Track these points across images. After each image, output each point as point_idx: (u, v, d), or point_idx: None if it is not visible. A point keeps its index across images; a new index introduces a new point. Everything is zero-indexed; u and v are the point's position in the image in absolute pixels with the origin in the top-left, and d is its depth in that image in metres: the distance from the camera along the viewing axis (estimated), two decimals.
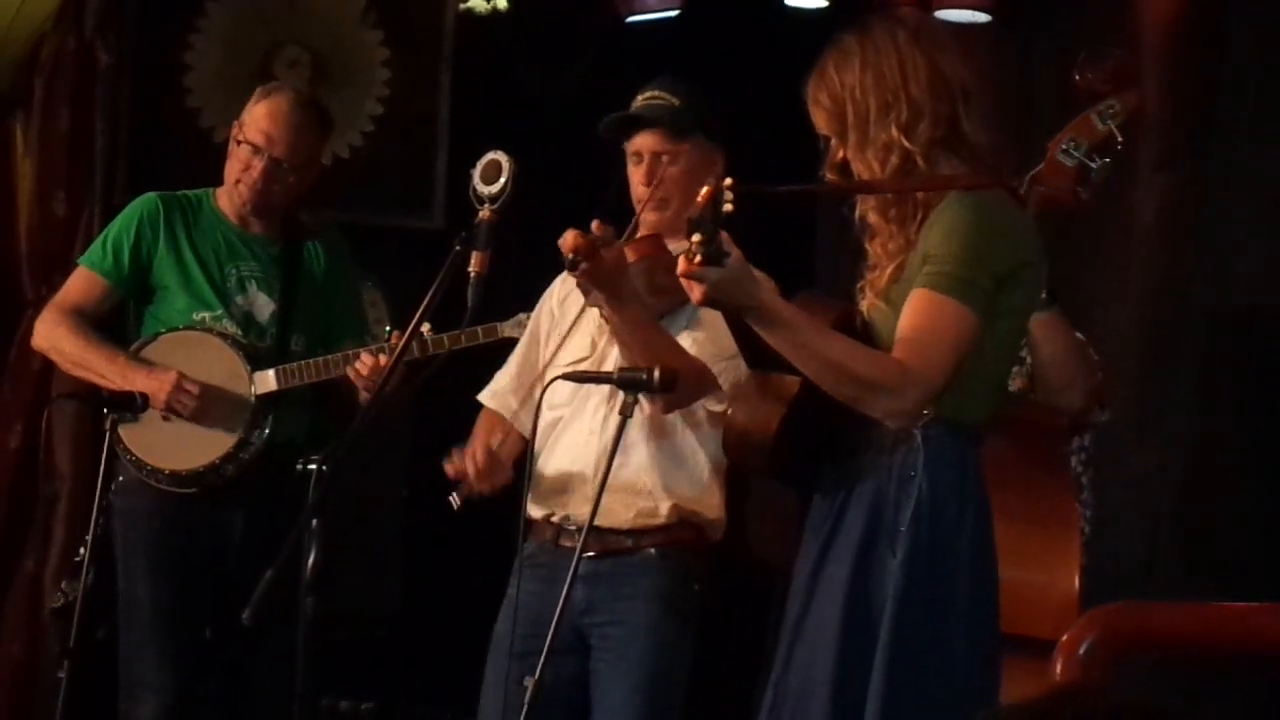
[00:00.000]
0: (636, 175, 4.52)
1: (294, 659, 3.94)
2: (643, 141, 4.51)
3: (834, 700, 3.49)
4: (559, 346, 4.50)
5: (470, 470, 4.43)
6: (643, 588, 4.43)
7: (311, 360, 4.99)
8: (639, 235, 4.41)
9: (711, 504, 4.44)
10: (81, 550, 5.05)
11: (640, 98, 4.55)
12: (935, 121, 3.57)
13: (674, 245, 4.45)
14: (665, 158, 4.49)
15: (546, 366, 4.52)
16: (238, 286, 5.09)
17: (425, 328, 4.66)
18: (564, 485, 4.45)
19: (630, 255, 4.27)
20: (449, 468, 4.48)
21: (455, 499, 4.43)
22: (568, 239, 4.19)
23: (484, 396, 4.69)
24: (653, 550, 4.44)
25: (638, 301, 4.27)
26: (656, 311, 4.33)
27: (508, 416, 4.62)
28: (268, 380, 4.99)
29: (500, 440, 4.47)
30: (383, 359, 4.76)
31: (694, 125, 4.50)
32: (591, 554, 4.39)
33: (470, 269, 4.03)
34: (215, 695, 5.16)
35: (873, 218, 3.64)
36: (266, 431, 5.00)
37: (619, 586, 4.43)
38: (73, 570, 5.16)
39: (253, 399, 4.99)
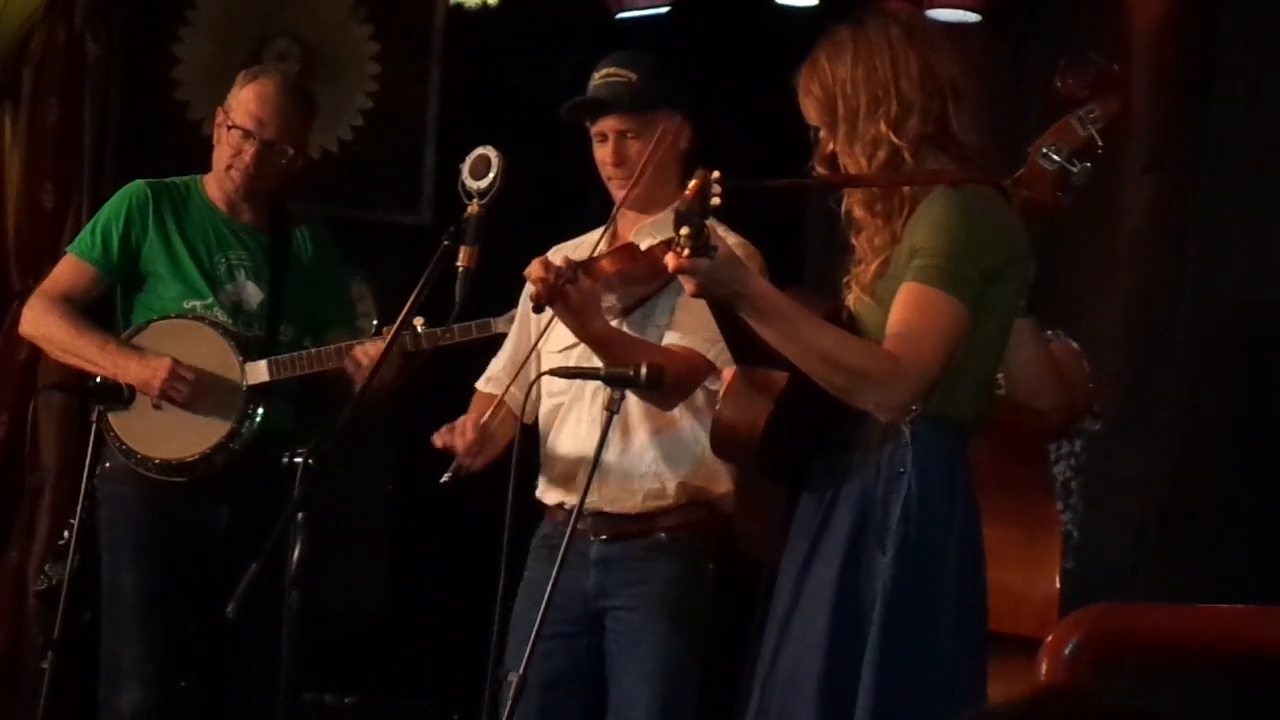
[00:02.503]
0: (603, 155, 4.51)
1: (278, 653, 3.94)
2: (606, 122, 4.49)
3: (821, 697, 3.49)
4: (546, 327, 4.48)
5: (460, 445, 4.43)
6: (654, 571, 4.44)
7: (304, 352, 4.99)
8: (613, 248, 4.40)
9: (718, 477, 4.44)
10: (65, 534, 5.05)
11: (597, 75, 4.52)
12: (925, 118, 3.58)
13: (648, 222, 4.50)
14: (630, 134, 4.47)
15: (534, 348, 4.51)
16: (227, 275, 5.08)
17: (418, 322, 4.65)
18: (570, 474, 4.46)
19: (609, 268, 4.28)
20: (437, 440, 4.47)
21: (446, 476, 4.41)
22: (534, 273, 4.19)
23: (480, 384, 4.69)
24: (663, 534, 4.45)
25: (610, 336, 4.28)
26: (634, 301, 4.34)
27: (510, 404, 4.60)
28: (259, 371, 4.98)
29: (491, 415, 4.45)
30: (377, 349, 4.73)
31: (655, 98, 4.47)
32: (604, 538, 4.43)
33: (459, 264, 4.04)
34: (198, 688, 5.16)
35: (858, 212, 3.64)
36: (257, 422, 4.99)
37: (631, 570, 4.45)
38: (56, 554, 5.16)
39: (244, 389, 4.98)
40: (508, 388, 4.51)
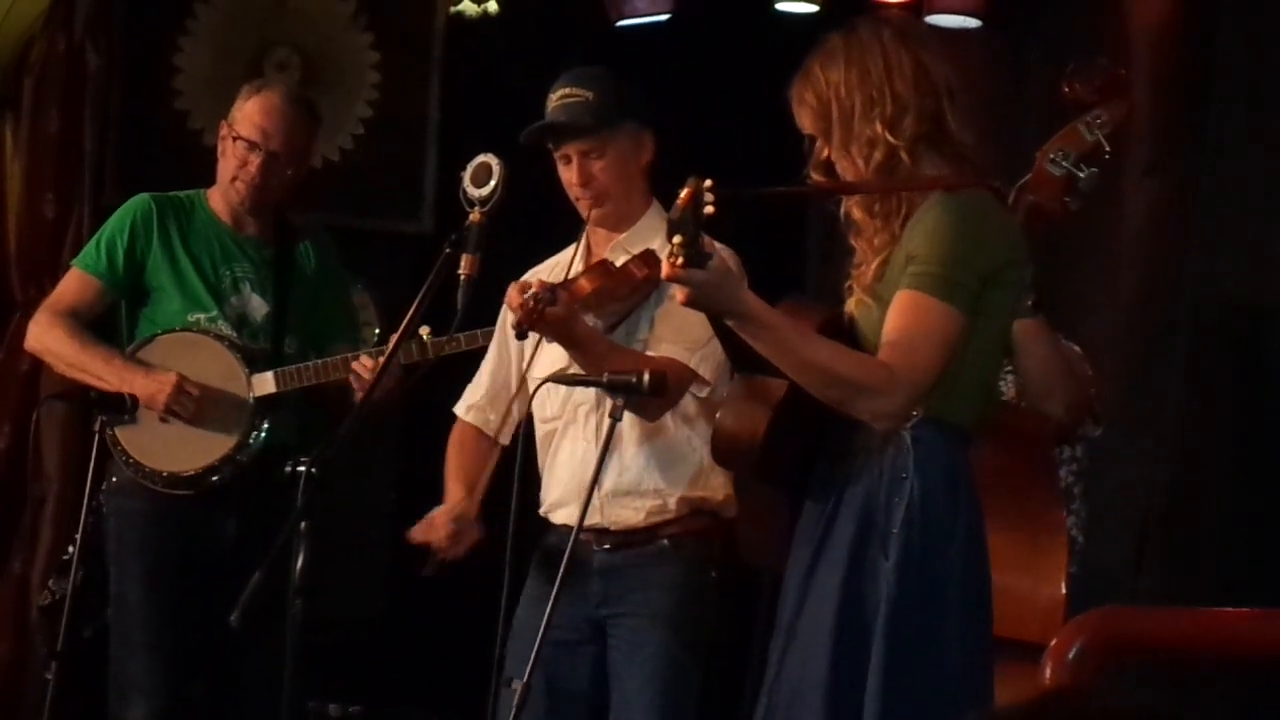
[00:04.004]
0: (568, 177, 4.50)
1: (282, 661, 3.94)
2: (568, 144, 4.49)
3: (827, 704, 3.49)
4: (534, 353, 4.49)
5: (434, 540, 4.46)
6: (657, 578, 4.45)
7: (310, 364, 4.99)
8: (589, 266, 4.41)
9: (717, 485, 4.44)
10: (70, 549, 5.04)
11: (554, 97, 4.50)
12: (920, 118, 3.58)
13: (620, 237, 4.50)
14: (593, 154, 4.46)
15: (525, 375, 4.52)
16: (232, 288, 5.08)
17: (424, 330, 4.66)
18: (571, 496, 4.46)
19: (586, 286, 4.29)
20: (414, 536, 4.49)
21: (427, 570, 4.44)
22: (513, 300, 4.20)
23: (460, 410, 4.69)
24: (665, 541, 4.45)
25: (593, 338, 4.30)
26: (616, 318, 4.35)
27: (489, 432, 4.62)
28: (266, 383, 4.98)
29: (462, 506, 4.47)
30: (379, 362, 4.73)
31: (613, 114, 4.46)
32: (606, 547, 4.44)
33: (460, 272, 4.04)
34: (203, 698, 5.16)
35: (857, 214, 3.65)
36: (263, 434, 4.99)
37: (633, 577, 4.45)
38: (60, 569, 5.16)
39: (250, 401, 4.98)
40: (499, 430, 4.52)
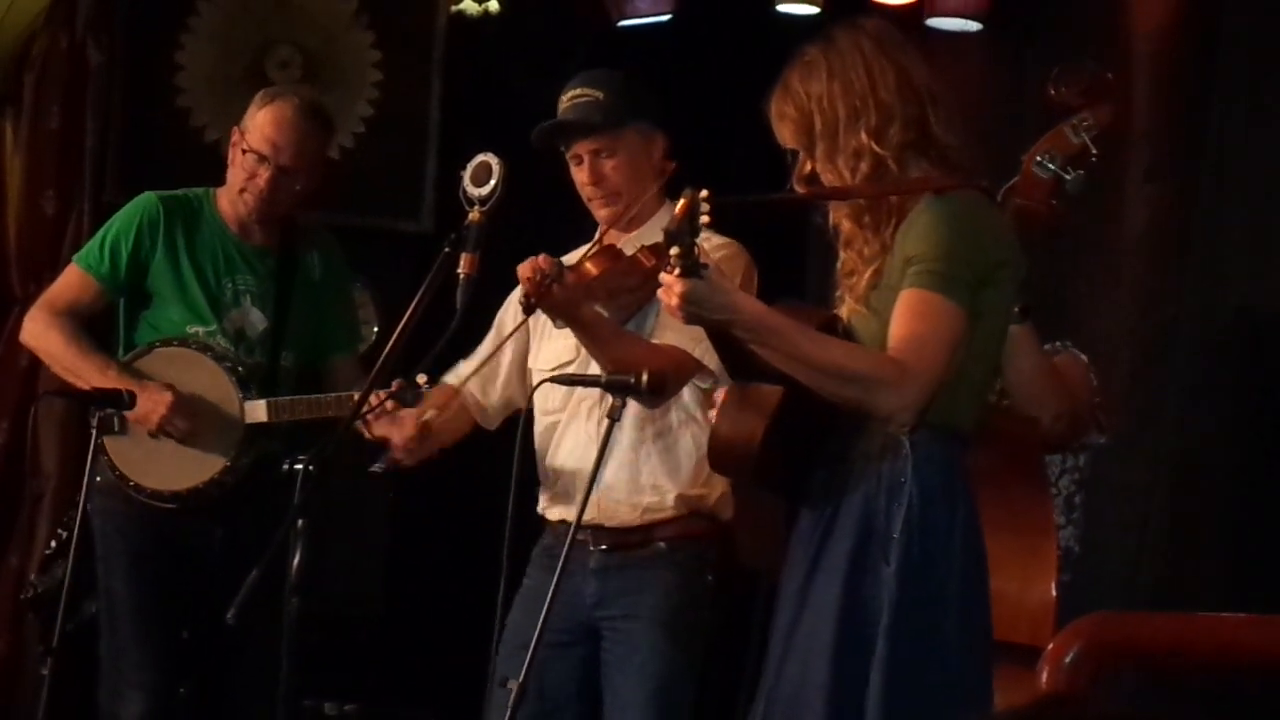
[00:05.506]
0: (580, 176, 4.50)
1: (277, 659, 3.94)
2: (579, 144, 4.49)
3: (827, 708, 3.48)
4: (514, 331, 4.48)
5: (397, 438, 4.42)
6: (653, 581, 4.44)
7: (303, 398, 4.94)
8: (596, 249, 4.41)
9: (716, 483, 4.43)
10: (53, 543, 5.03)
11: (565, 98, 4.51)
12: (905, 125, 3.57)
13: (632, 236, 4.49)
14: (604, 153, 4.47)
15: (500, 346, 4.52)
16: (233, 300, 5.03)
17: (421, 379, 4.64)
18: (571, 490, 4.46)
19: (592, 270, 4.28)
20: (375, 429, 4.46)
21: (377, 466, 4.41)
22: (522, 273, 4.20)
23: (448, 379, 4.68)
24: (662, 544, 4.45)
25: (599, 321, 4.29)
26: (627, 312, 4.35)
27: (465, 400, 4.60)
28: (258, 411, 4.94)
29: (433, 414, 4.45)
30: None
31: (624, 114, 4.47)
32: (604, 547, 4.44)
33: (460, 271, 4.04)
34: (198, 696, 5.15)
35: (846, 225, 3.64)
36: (252, 457, 4.97)
37: (629, 579, 4.44)
38: (43, 563, 5.14)
39: (242, 427, 4.95)
40: (466, 379, 4.51)
